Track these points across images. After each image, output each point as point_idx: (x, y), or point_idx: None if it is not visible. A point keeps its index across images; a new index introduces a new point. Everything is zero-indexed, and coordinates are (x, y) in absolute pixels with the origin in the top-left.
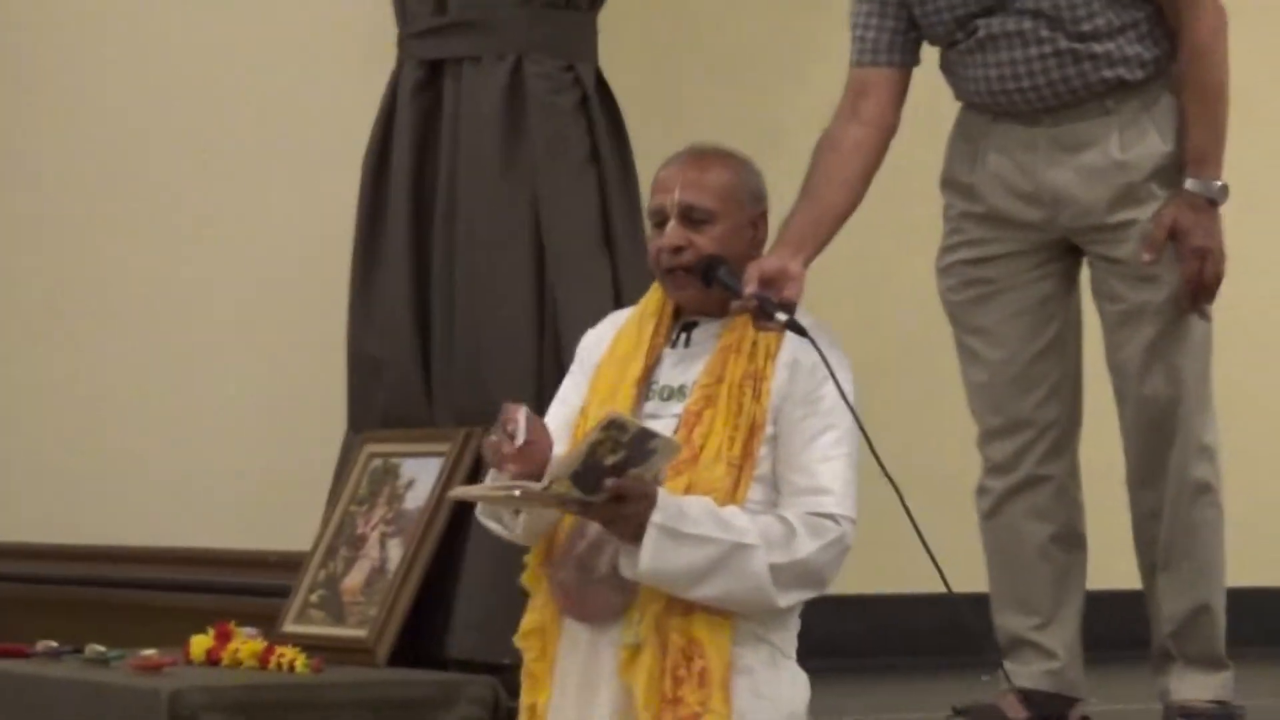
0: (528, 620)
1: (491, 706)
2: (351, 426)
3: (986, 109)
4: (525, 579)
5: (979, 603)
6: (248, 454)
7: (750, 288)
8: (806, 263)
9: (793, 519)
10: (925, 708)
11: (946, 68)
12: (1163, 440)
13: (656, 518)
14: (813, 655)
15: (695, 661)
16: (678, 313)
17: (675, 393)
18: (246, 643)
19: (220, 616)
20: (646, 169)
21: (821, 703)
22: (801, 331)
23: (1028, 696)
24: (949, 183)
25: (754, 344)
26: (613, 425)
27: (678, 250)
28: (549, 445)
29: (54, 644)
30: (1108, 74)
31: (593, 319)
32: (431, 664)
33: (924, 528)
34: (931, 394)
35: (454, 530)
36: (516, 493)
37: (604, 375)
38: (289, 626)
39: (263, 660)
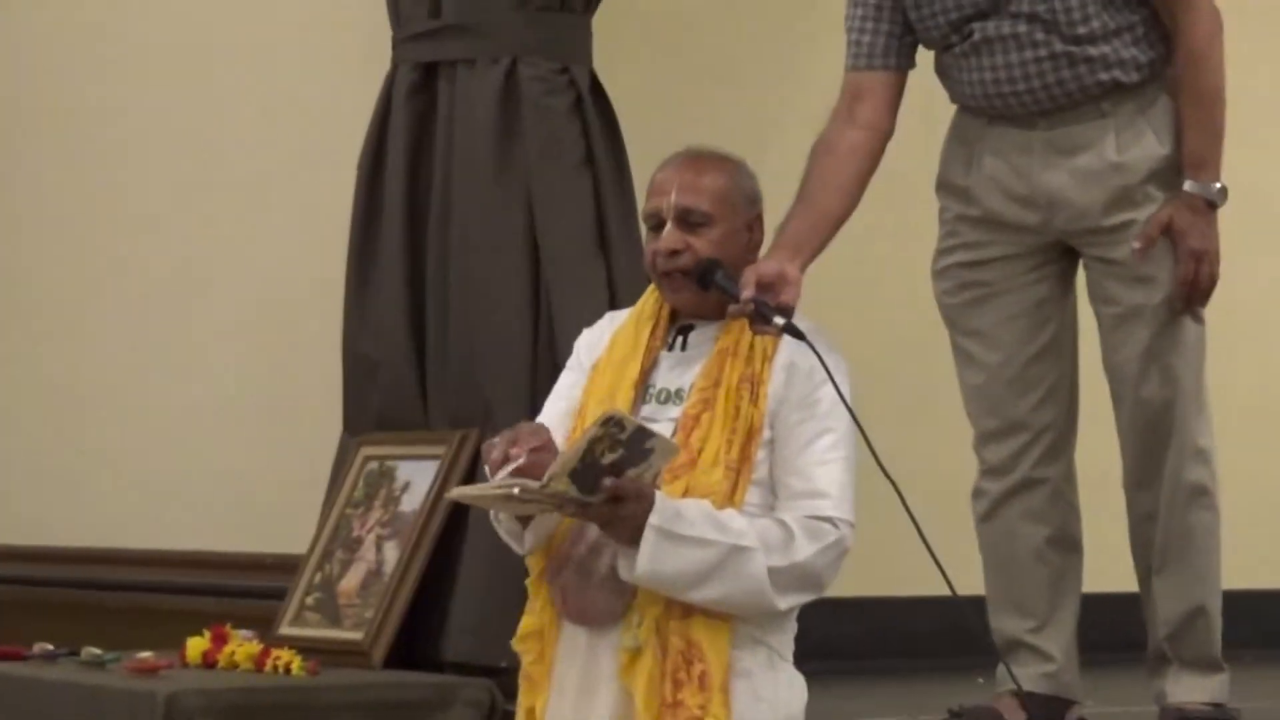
0: (526, 623)
1: (487, 709)
2: (347, 429)
3: (982, 112)
4: (529, 583)
5: (975, 606)
6: (244, 457)
7: (748, 292)
8: (803, 267)
9: (791, 522)
10: (922, 710)
11: (942, 71)
12: (1159, 443)
13: (654, 520)
14: (810, 658)
15: (695, 665)
16: (674, 316)
17: (672, 396)
18: (242, 645)
19: (216, 619)
20: (641, 171)
21: (818, 705)
22: (800, 335)
23: (1025, 699)
24: (944, 186)
25: (751, 347)
26: (611, 422)
27: (674, 253)
28: (554, 450)
29: (50, 646)
30: (1103, 77)
31: (587, 321)
32: (427, 667)
33: (921, 530)
34: (927, 397)
35: (450, 533)
36: (515, 491)
37: (601, 378)
38: (285, 629)
39: (259, 663)
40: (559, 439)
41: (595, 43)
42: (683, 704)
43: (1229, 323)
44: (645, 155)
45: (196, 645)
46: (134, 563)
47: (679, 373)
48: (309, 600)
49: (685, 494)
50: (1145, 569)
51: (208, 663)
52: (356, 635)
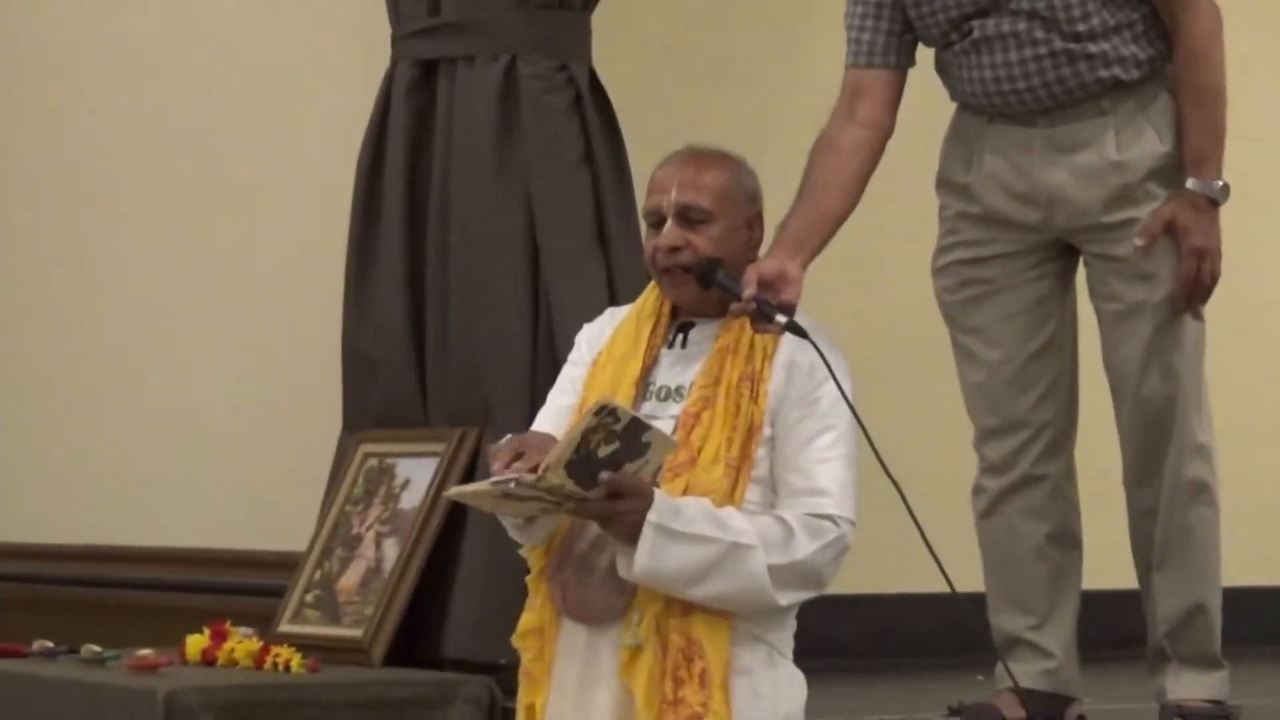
0: (526, 620)
1: (487, 707)
2: (346, 426)
3: (982, 110)
4: (529, 580)
5: (976, 603)
6: (243, 454)
7: (749, 291)
8: (804, 265)
9: (791, 520)
10: (921, 708)
11: (942, 69)
12: (1159, 439)
13: (653, 517)
14: (810, 655)
15: (696, 662)
16: (674, 313)
17: (673, 394)
18: (242, 643)
19: (216, 616)
20: (640, 169)
21: (818, 703)
22: (802, 333)
23: (1024, 696)
24: (945, 183)
25: (751, 345)
26: (604, 411)
27: (674, 250)
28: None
29: (50, 644)
30: (1103, 74)
31: (587, 319)
32: (427, 664)
33: (923, 529)
34: (928, 394)
35: (449, 530)
36: (511, 485)
37: (601, 374)
38: (284, 626)
39: (258, 660)
40: (562, 435)
41: (594, 40)
42: (683, 701)
43: (1229, 320)
44: (644, 153)
45: (196, 643)
46: (134, 560)
47: (679, 370)
48: (308, 598)
49: (685, 491)
50: (1145, 566)
51: (207, 660)
52: (356, 633)
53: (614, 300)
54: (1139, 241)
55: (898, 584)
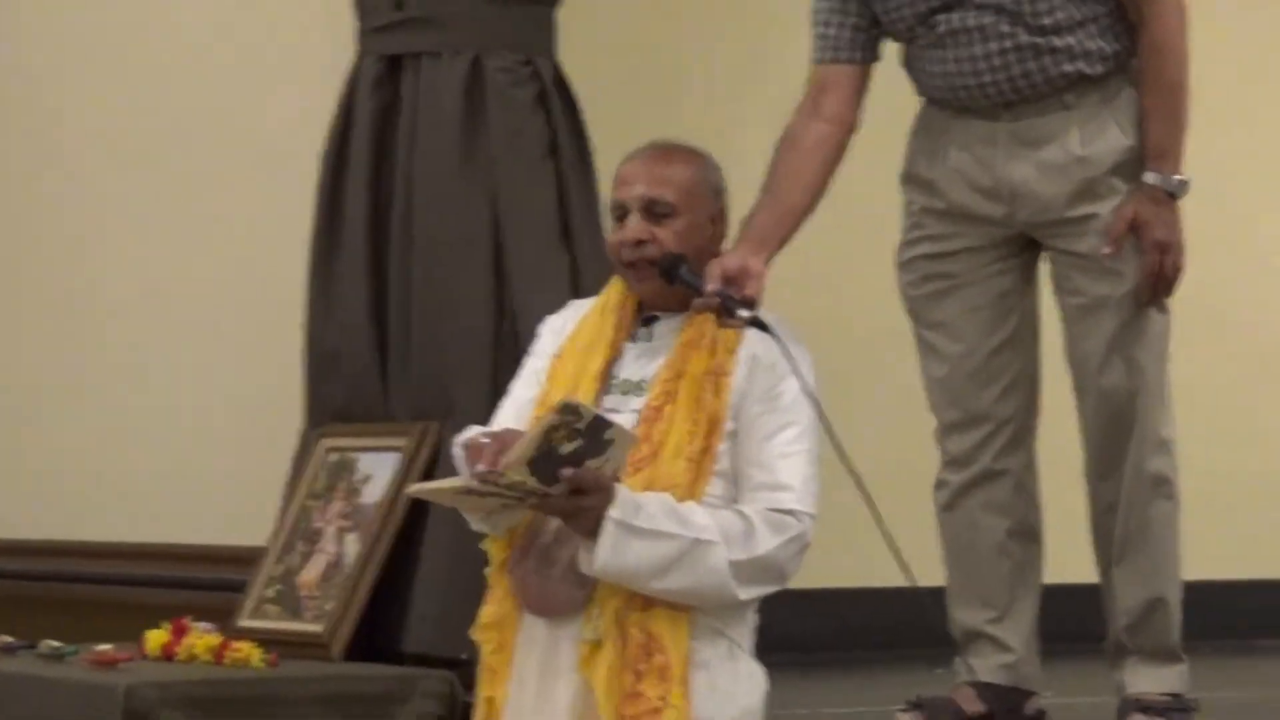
0: (486, 613)
1: (448, 701)
2: (308, 421)
3: (947, 104)
4: (489, 573)
5: (936, 597)
6: (205, 448)
7: (712, 286)
8: (768, 260)
9: (752, 515)
10: (880, 701)
11: (908, 64)
12: (1121, 433)
13: (614, 513)
14: (770, 649)
15: (655, 656)
16: (639, 307)
17: (635, 387)
18: (202, 638)
19: (176, 611)
20: (605, 163)
21: (778, 696)
22: (765, 328)
23: (983, 689)
24: (910, 178)
25: (714, 340)
26: (567, 409)
27: (639, 244)
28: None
29: (9, 639)
30: (1068, 68)
31: (550, 313)
32: (388, 659)
33: (884, 522)
34: (891, 389)
35: (411, 525)
36: (474, 482)
37: (564, 367)
38: (245, 621)
39: (218, 655)
40: (522, 426)
41: (559, 35)
42: (642, 695)
43: (1193, 314)
44: (609, 147)
45: (156, 638)
46: (94, 555)
47: (643, 364)
48: (269, 592)
49: (648, 485)
50: (1105, 560)
51: (167, 655)
52: (317, 627)
53: (577, 293)
54: (1107, 250)
55: (857, 578)
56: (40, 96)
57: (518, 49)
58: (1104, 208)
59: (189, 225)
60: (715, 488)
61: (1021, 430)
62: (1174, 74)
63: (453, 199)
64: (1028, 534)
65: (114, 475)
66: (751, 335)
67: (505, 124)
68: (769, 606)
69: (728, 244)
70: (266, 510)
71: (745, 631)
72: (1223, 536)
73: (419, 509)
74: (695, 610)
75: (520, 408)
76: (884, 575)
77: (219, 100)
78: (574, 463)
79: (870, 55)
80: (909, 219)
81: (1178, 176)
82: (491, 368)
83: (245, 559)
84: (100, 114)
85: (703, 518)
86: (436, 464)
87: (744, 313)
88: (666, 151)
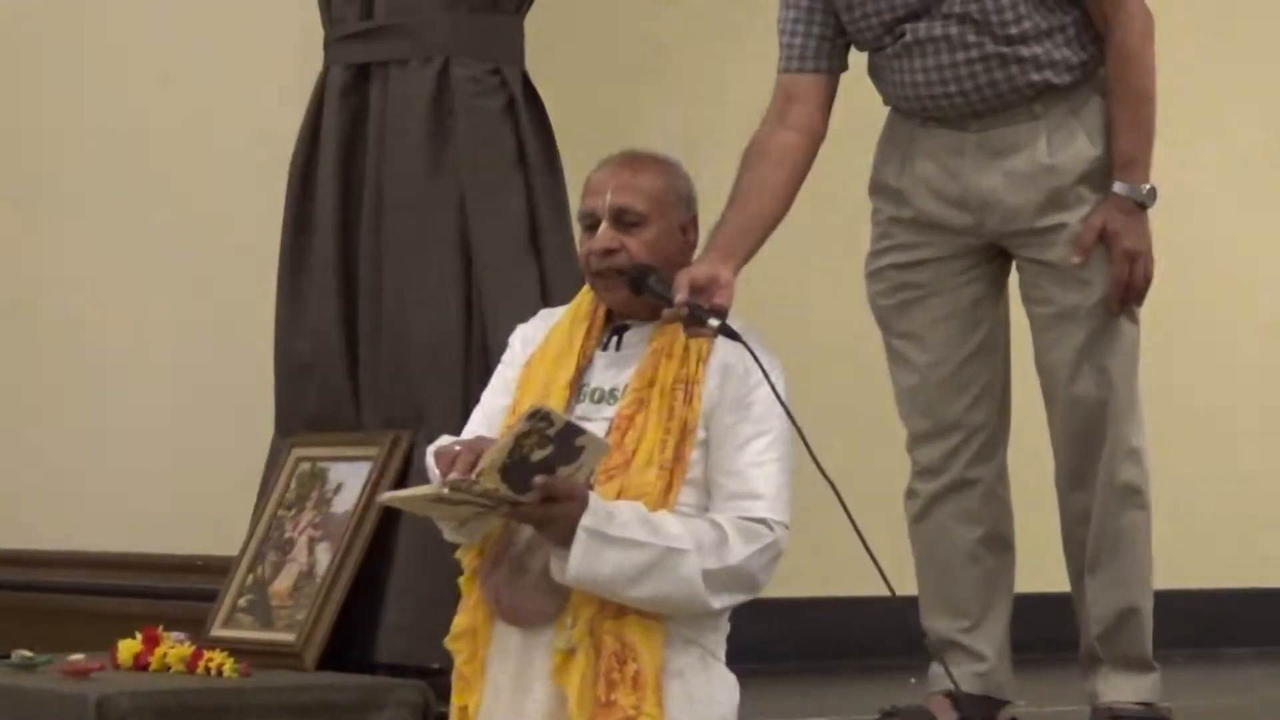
0: (459, 622)
1: (420, 710)
2: (279, 430)
3: (914, 114)
4: (462, 581)
5: (911, 606)
6: (177, 458)
7: (681, 295)
8: (736, 269)
9: (725, 524)
10: (854, 710)
11: (874, 73)
12: (1092, 443)
13: (586, 521)
14: (743, 658)
15: (629, 665)
16: (609, 315)
17: (606, 395)
18: (174, 647)
19: (148, 621)
20: (574, 172)
21: (751, 706)
22: (735, 336)
23: (956, 699)
24: (878, 187)
25: (685, 348)
26: (538, 416)
27: (609, 253)
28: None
29: None
30: (1035, 78)
31: (520, 321)
32: (360, 668)
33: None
34: (863, 398)
35: (383, 535)
36: (445, 490)
37: (535, 375)
38: (217, 631)
39: (191, 665)
40: (493, 435)
41: (527, 44)
42: (616, 704)
43: (1163, 323)
44: (577, 156)
45: (128, 647)
46: (65, 564)
47: (614, 372)
48: (241, 602)
49: (620, 494)
50: (1077, 569)
51: (139, 665)
52: (289, 637)
53: (546, 301)
54: (1077, 260)
55: (830, 587)
56: (3, 102)
57: (486, 58)
58: (1072, 217)
59: (158, 233)
60: (687, 496)
61: (992, 439)
62: (1140, 82)
63: (421, 207)
64: (999, 543)
65: (85, 484)
66: (723, 344)
67: (473, 133)
68: (741, 614)
69: (697, 253)
70: (238, 520)
71: (719, 640)
72: (1195, 545)
73: (390, 518)
74: (668, 619)
75: (491, 417)
76: (856, 584)
77: (189, 107)
78: (546, 470)
79: (837, 64)
80: (877, 228)
81: (1146, 186)
82: (461, 376)
83: (217, 568)
84: (69, 119)
85: (675, 526)
86: (408, 473)
87: (714, 322)
88: (636, 160)
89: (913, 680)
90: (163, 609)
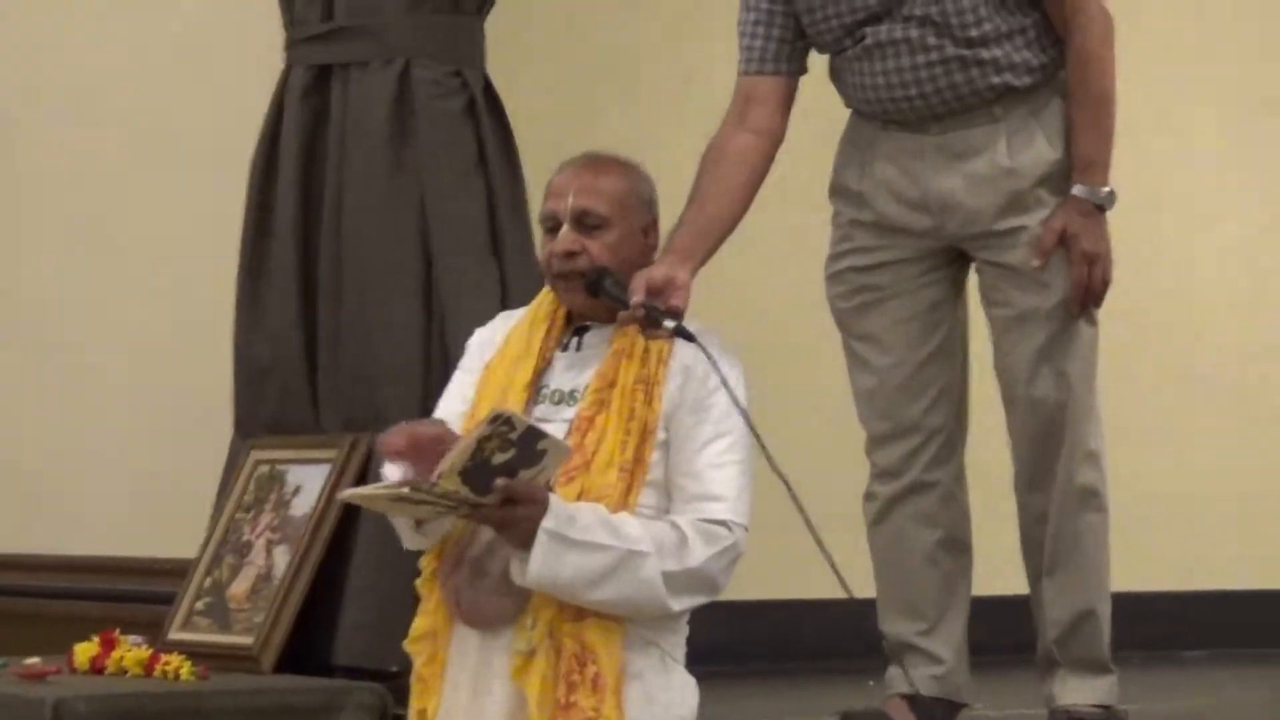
0: (418, 624)
1: (379, 713)
2: (238, 432)
3: (875, 116)
4: (420, 584)
5: (870, 608)
6: (133, 460)
7: (637, 297)
8: (694, 271)
9: (685, 526)
10: (812, 713)
11: (834, 75)
12: (1050, 445)
13: (547, 524)
14: (702, 660)
15: (589, 667)
16: (569, 317)
17: (566, 397)
18: (131, 651)
19: (105, 624)
20: (534, 174)
21: (710, 708)
22: (690, 338)
23: (914, 701)
24: (838, 190)
25: (646, 349)
26: (499, 420)
27: (570, 255)
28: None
29: None
30: (995, 80)
31: (480, 324)
32: (318, 672)
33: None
34: (821, 400)
35: (341, 537)
36: (405, 490)
37: (494, 377)
38: (175, 634)
39: (148, 668)
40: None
41: (488, 46)
42: (576, 705)
43: (1123, 325)
44: (538, 158)
45: (85, 651)
46: (21, 567)
47: (574, 374)
48: (199, 605)
49: (580, 495)
50: (1035, 571)
51: (96, 668)
52: (246, 640)
53: (506, 304)
54: (1036, 263)
55: (788, 590)
56: None
57: (447, 60)
58: (1032, 219)
59: (117, 234)
60: (647, 498)
61: (951, 441)
62: (1100, 84)
63: (381, 209)
64: (957, 545)
65: (42, 487)
66: (684, 345)
67: (434, 135)
68: (700, 616)
69: (656, 255)
70: (196, 522)
71: (678, 642)
72: (1153, 547)
73: (349, 521)
74: (628, 621)
75: (449, 420)
76: (814, 587)
77: (148, 108)
78: (507, 473)
79: (797, 67)
80: (837, 231)
81: (1105, 188)
82: (421, 379)
83: (175, 571)
84: (29, 119)
85: (636, 529)
86: (366, 476)
87: (669, 323)
88: (598, 162)
89: (870, 683)
90: (120, 612)
